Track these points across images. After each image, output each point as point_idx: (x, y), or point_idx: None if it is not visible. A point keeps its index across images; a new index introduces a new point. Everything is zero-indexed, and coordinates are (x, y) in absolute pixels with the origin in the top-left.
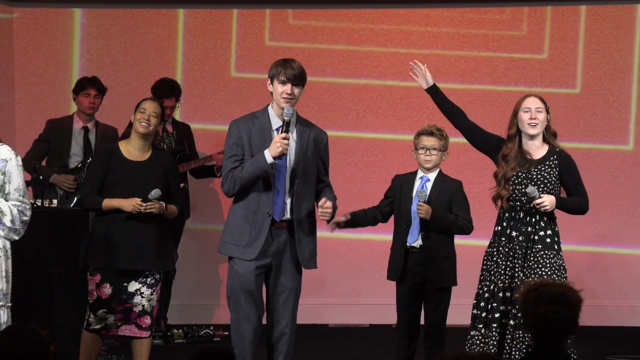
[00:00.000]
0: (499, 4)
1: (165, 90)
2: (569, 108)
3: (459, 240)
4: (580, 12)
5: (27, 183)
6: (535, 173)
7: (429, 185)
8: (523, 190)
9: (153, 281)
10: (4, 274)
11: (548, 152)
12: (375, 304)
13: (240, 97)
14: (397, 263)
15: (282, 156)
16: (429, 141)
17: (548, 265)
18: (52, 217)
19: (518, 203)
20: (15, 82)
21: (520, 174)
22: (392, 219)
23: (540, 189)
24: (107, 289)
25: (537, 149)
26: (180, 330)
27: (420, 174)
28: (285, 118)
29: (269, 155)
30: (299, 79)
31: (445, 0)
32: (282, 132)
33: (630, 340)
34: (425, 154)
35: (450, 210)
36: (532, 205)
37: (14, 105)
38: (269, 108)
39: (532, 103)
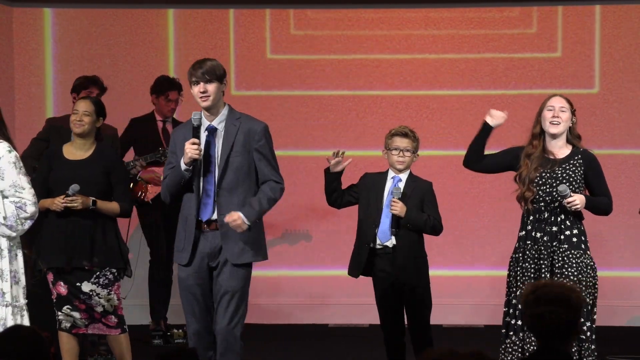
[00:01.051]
0: (507, 3)
1: (168, 85)
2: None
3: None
4: (594, 9)
5: None
6: (560, 172)
7: (401, 186)
8: (547, 190)
9: (106, 281)
10: None
11: (572, 152)
12: (375, 304)
13: (240, 103)
14: (360, 261)
15: (195, 161)
16: (402, 142)
17: (574, 265)
18: None
19: (542, 203)
20: (15, 82)
21: (544, 174)
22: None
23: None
24: (62, 287)
25: (561, 149)
26: (180, 330)
27: (391, 173)
28: (194, 123)
29: (182, 162)
30: (209, 74)
31: (445, 0)
32: (192, 138)
33: (630, 340)
34: (398, 155)
35: (421, 210)
36: (558, 204)
37: (14, 105)
38: (202, 111)
39: (557, 102)
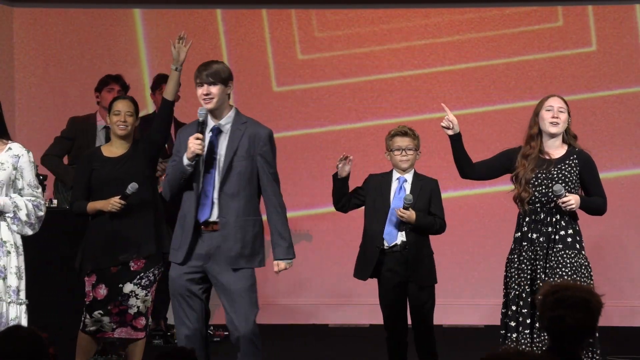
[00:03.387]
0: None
1: (162, 79)
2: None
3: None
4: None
5: None
6: (555, 172)
7: (407, 187)
8: (543, 191)
9: (147, 282)
10: (14, 270)
11: (567, 152)
12: (375, 304)
13: (240, 98)
14: (368, 263)
15: (197, 156)
16: (403, 141)
17: (569, 265)
18: (52, 217)
19: (538, 204)
20: (15, 82)
21: (539, 174)
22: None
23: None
24: (103, 290)
25: (557, 149)
26: None
27: (396, 174)
28: (200, 118)
29: (185, 157)
30: (212, 76)
31: (451, 0)
32: (196, 133)
33: (630, 340)
34: (401, 155)
35: (428, 209)
36: (553, 204)
37: (14, 105)
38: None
39: (555, 102)
